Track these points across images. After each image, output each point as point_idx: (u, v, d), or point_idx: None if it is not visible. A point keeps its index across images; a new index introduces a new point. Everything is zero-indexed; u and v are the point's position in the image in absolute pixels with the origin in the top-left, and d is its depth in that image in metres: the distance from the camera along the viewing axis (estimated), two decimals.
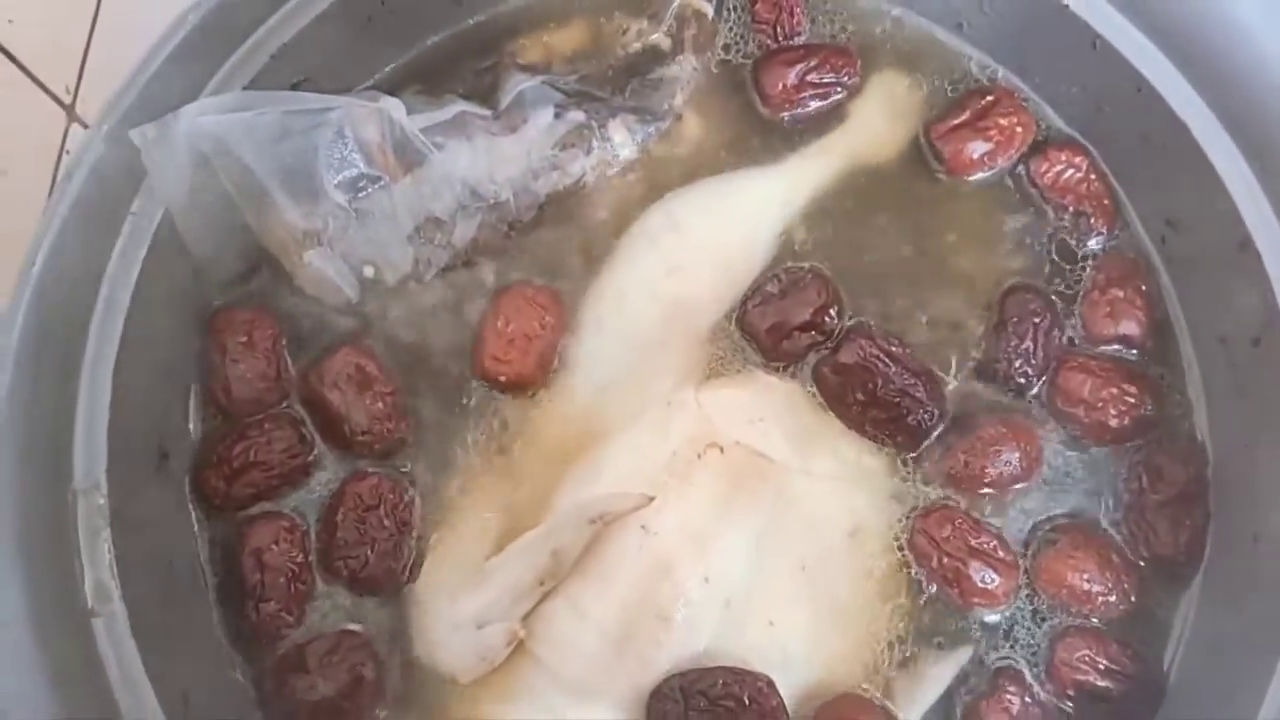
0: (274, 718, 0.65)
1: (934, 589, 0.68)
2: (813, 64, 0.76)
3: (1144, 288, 0.73)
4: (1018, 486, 0.70)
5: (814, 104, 0.77)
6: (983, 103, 0.75)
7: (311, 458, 0.69)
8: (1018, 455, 0.69)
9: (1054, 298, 0.73)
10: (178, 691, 0.59)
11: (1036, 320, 0.71)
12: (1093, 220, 0.74)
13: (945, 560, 0.68)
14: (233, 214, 0.67)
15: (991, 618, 0.68)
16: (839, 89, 0.77)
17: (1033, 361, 0.71)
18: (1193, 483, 0.69)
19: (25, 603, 0.54)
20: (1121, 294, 0.72)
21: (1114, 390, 0.70)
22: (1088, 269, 0.73)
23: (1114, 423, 0.70)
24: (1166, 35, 0.68)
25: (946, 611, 0.68)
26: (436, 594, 0.68)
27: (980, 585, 0.67)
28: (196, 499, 0.68)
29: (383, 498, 0.68)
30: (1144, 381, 0.71)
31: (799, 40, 0.78)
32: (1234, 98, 0.66)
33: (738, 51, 0.78)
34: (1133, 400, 0.70)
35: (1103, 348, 0.72)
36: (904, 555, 0.69)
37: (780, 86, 0.76)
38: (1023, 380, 0.71)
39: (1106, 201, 0.74)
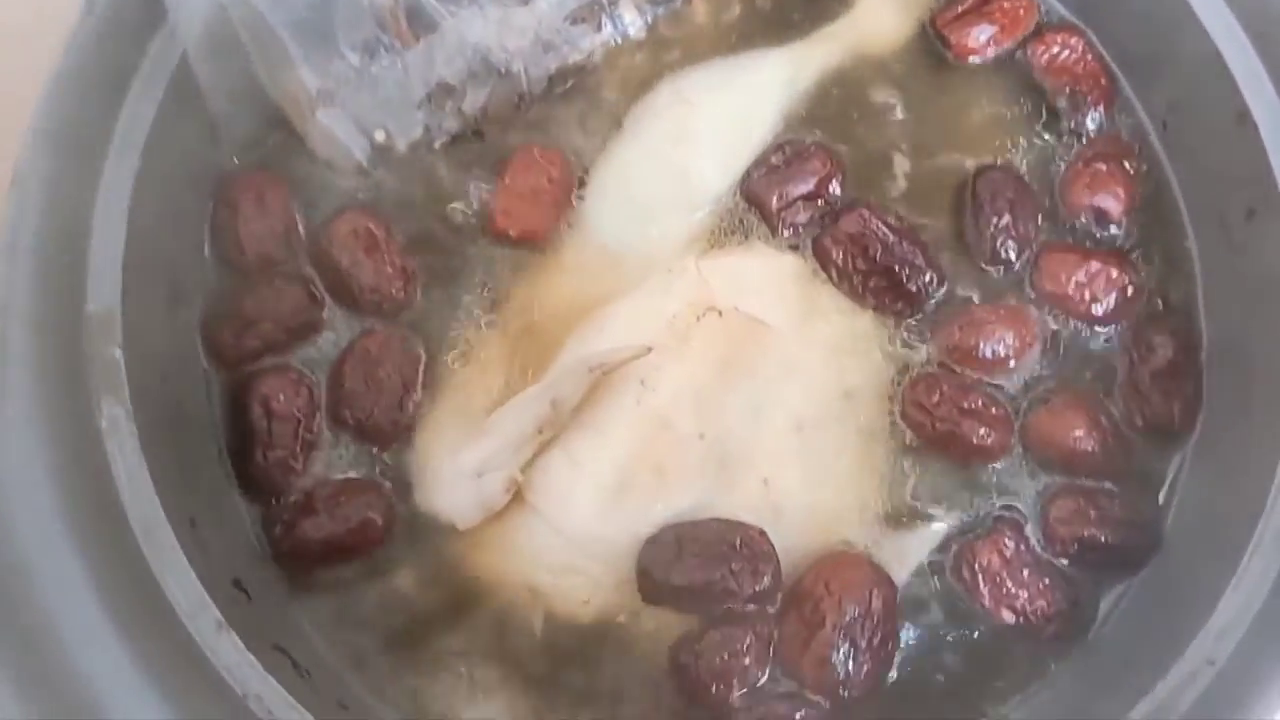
0: (281, 556, 0.67)
1: (929, 453, 0.69)
2: None
3: (1130, 169, 0.73)
4: (1011, 364, 0.71)
5: None
6: None
7: (321, 315, 0.71)
8: (1011, 335, 0.70)
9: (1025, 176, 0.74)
10: (185, 515, 0.60)
11: (1010, 196, 0.72)
12: (1089, 99, 0.75)
13: (938, 425, 0.69)
14: (248, 69, 0.68)
15: (988, 477, 0.69)
16: None
17: (1014, 234, 0.72)
18: (1184, 354, 0.70)
19: (37, 412, 0.56)
20: (1105, 168, 0.73)
21: (1100, 272, 0.71)
22: (1077, 147, 0.75)
23: (1099, 306, 0.71)
24: None
25: (941, 473, 0.69)
26: (438, 445, 0.69)
27: (975, 442, 0.68)
28: (207, 351, 0.70)
29: (391, 354, 0.69)
30: (1129, 263, 0.72)
31: None
32: None
33: None
34: (1119, 281, 0.71)
35: (1078, 220, 0.73)
36: (899, 423, 0.70)
37: None
38: (1008, 256, 0.72)
39: (1103, 81, 0.75)
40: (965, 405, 0.69)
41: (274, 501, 0.68)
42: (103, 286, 0.61)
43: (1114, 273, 0.71)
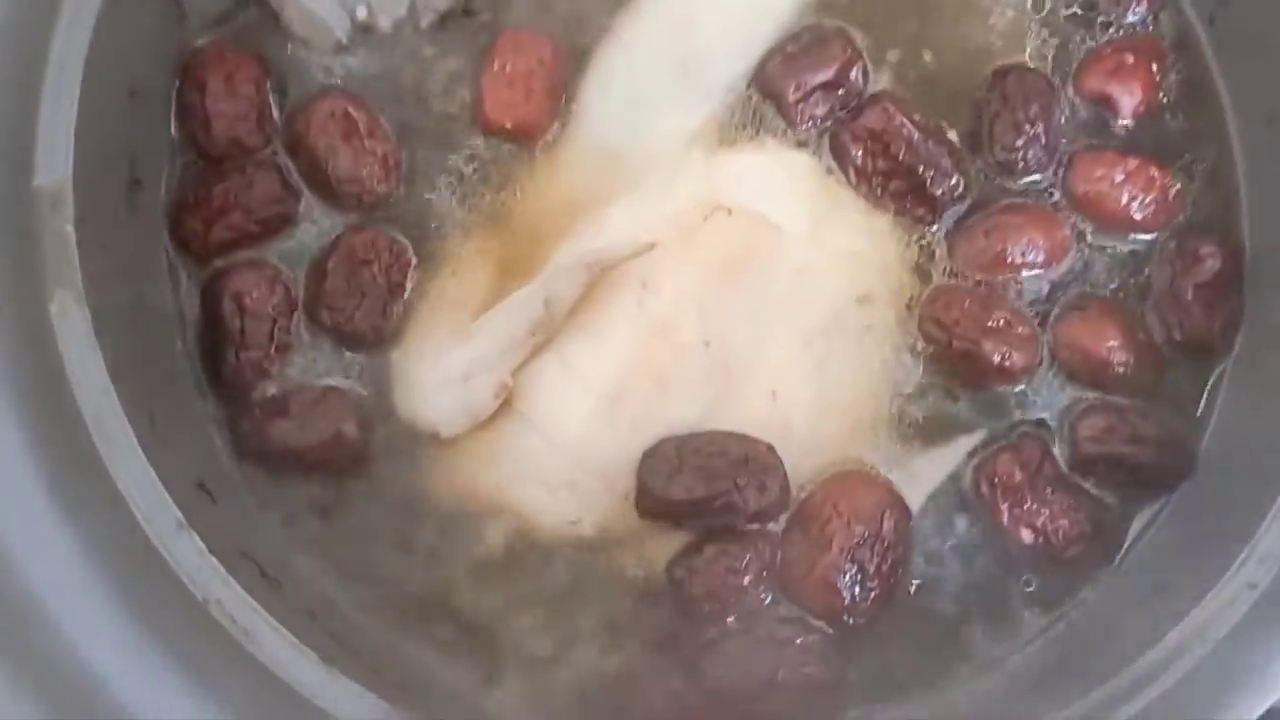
0: (246, 456, 0.63)
1: (949, 370, 0.65)
2: None
3: (1156, 73, 0.68)
4: (1042, 270, 0.66)
5: None
6: None
7: (298, 208, 0.66)
8: (1042, 241, 0.66)
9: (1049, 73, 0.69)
10: (144, 410, 0.55)
11: (1038, 101, 0.67)
12: None
13: (956, 343, 0.64)
14: None
15: (1012, 394, 0.65)
16: None
17: (1042, 142, 0.66)
18: (1231, 266, 0.65)
19: None
20: (1131, 60, 0.68)
21: (1139, 170, 0.66)
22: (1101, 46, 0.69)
23: (1139, 209, 0.66)
24: None
25: (962, 391, 0.65)
26: (422, 348, 0.64)
27: (996, 362, 0.64)
28: (174, 240, 0.65)
29: (379, 254, 0.64)
30: (1168, 165, 0.67)
31: None
32: None
33: None
34: (1160, 182, 0.66)
35: (1082, 111, 0.68)
36: (915, 337, 0.65)
37: None
38: (1034, 164, 0.67)
39: None
40: (989, 323, 0.64)
41: (247, 401, 0.63)
42: (53, 159, 0.55)
43: (1154, 171, 0.66)
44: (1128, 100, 0.68)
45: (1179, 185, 0.66)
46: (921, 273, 0.66)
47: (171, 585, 0.51)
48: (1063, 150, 0.68)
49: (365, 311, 0.64)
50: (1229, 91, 0.68)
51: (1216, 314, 0.65)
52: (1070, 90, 0.69)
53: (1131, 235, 0.67)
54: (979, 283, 0.66)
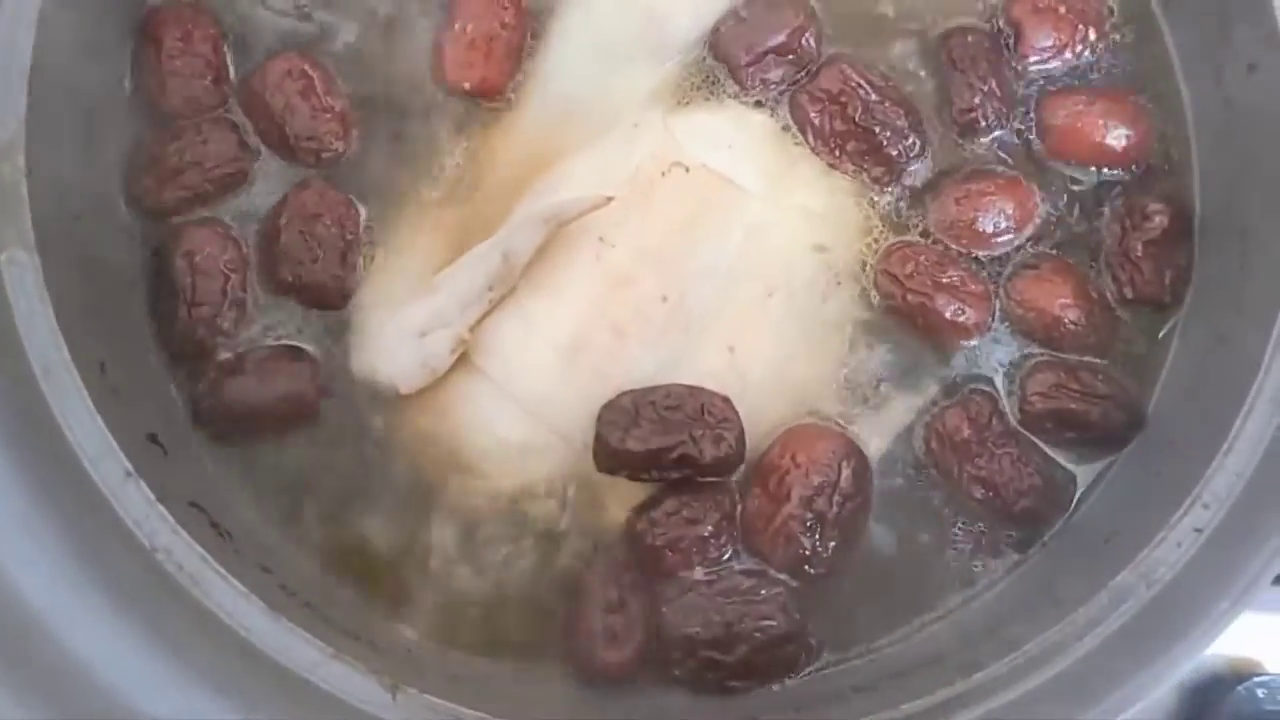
0: (202, 416, 0.62)
1: (904, 325, 0.65)
2: None
3: (1081, 29, 0.69)
4: (1009, 237, 0.67)
5: None
6: None
7: (253, 166, 0.65)
8: (1012, 209, 0.66)
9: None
10: (94, 359, 0.55)
11: (988, 55, 0.68)
12: None
13: (909, 297, 0.65)
14: None
15: (966, 350, 0.65)
16: None
17: (997, 95, 0.67)
18: (1179, 223, 0.66)
19: None
20: (1061, 9, 0.69)
21: (1110, 105, 0.67)
22: None
23: (1115, 143, 0.67)
24: None
25: (918, 346, 0.65)
26: (380, 303, 0.64)
27: (950, 318, 0.64)
28: (127, 198, 0.64)
29: (328, 207, 0.64)
30: (1130, 104, 0.68)
31: None
32: None
33: None
34: (1130, 112, 0.68)
35: (1032, 59, 0.69)
36: (871, 293, 0.66)
37: None
38: (994, 120, 0.67)
39: None
40: (942, 279, 0.65)
41: (200, 360, 0.63)
42: (5, 109, 0.56)
43: (1126, 101, 0.67)
44: (1041, 38, 0.68)
45: (1150, 112, 0.68)
46: (877, 228, 0.67)
47: (120, 533, 0.51)
48: (1028, 96, 0.68)
49: (324, 263, 0.64)
50: (1177, 49, 0.70)
51: (1166, 269, 0.66)
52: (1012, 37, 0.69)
53: (1106, 169, 0.68)
54: (948, 246, 0.66)
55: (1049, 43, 0.69)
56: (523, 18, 0.67)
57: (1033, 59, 0.69)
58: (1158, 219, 0.66)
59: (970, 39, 0.68)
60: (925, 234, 0.67)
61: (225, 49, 0.66)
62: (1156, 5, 0.70)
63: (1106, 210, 0.67)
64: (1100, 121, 0.67)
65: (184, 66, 0.65)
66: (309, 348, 0.64)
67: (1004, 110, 0.68)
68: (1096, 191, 0.68)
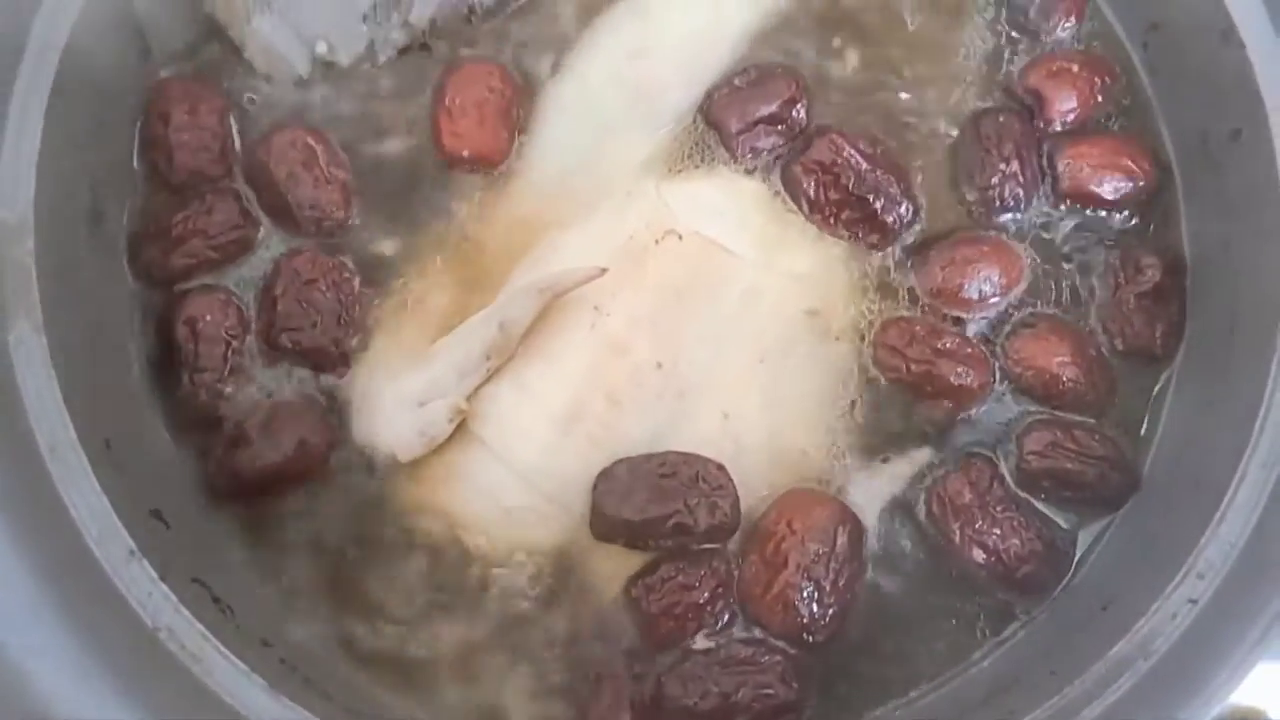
0: (216, 491, 0.63)
1: (903, 391, 0.66)
2: None
3: (1098, 81, 0.70)
4: (995, 301, 0.68)
5: None
6: None
7: (256, 234, 0.67)
8: (997, 272, 0.67)
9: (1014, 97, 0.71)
10: (99, 437, 0.56)
11: (1015, 139, 0.69)
12: (1058, 9, 0.72)
13: (913, 367, 0.65)
14: None
15: (963, 415, 0.66)
16: None
17: (1019, 178, 0.68)
18: (1170, 276, 0.67)
19: None
20: (1074, 69, 0.70)
21: (1118, 162, 0.69)
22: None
23: (1119, 190, 0.69)
24: None
25: (911, 409, 0.66)
26: (379, 372, 0.65)
27: (955, 383, 0.65)
28: (133, 269, 0.66)
29: (322, 272, 0.65)
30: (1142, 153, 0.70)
31: None
32: None
33: None
34: (1133, 167, 0.69)
35: (1057, 123, 0.70)
36: (868, 363, 0.66)
37: None
38: (1015, 201, 0.69)
39: None
40: (939, 345, 0.65)
41: (205, 431, 0.63)
42: (15, 193, 0.57)
43: (1129, 161, 0.69)
44: (1073, 103, 0.70)
45: (1148, 170, 0.69)
46: (878, 296, 0.68)
47: (122, 612, 0.52)
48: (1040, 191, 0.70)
49: (323, 327, 0.65)
50: (1163, 112, 0.71)
51: (1157, 322, 0.67)
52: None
53: (1106, 211, 0.70)
54: (940, 314, 0.67)
55: (1071, 104, 0.70)
56: (510, 80, 0.69)
57: (1058, 123, 0.70)
58: (1150, 272, 0.67)
59: (1000, 119, 0.70)
60: (914, 299, 0.67)
61: (231, 121, 0.68)
62: (1141, 67, 0.72)
63: (1101, 263, 0.68)
64: (1104, 168, 0.68)
65: (191, 139, 0.67)
66: (308, 400, 0.64)
67: (1022, 195, 0.69)
68: (1091, 244, 0.69)
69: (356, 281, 0.66)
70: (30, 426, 0.54)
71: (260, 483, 0.63)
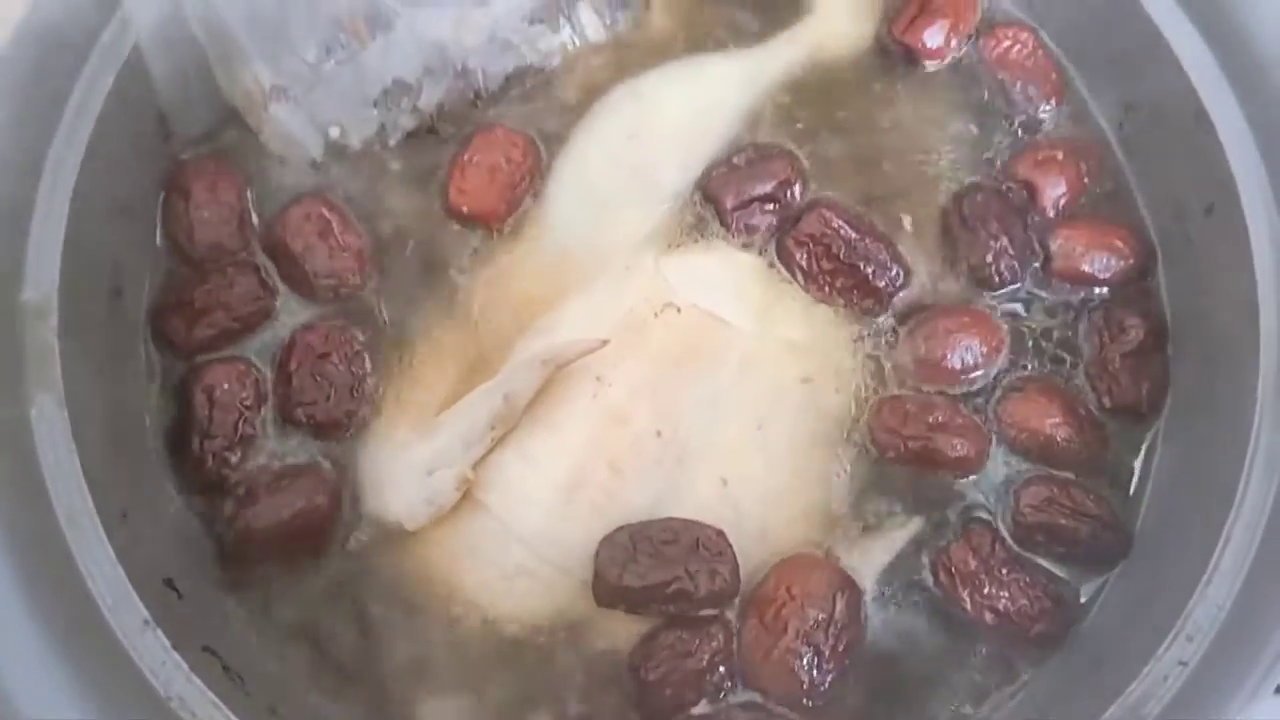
0: (225, 553, 0.64)
1: (906, 467, 0.67)
2: None
3: (1082, 166, 0.74)
4: (979, 371, 0.70)
5: None
6: None
7: (275, 304, 0.69)
8: (978, 342, 0.69)
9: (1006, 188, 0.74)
10: (116, 508, 0.58)
11: (998, 215, 0.71)
12: (1041, 92, 0.76)
13: (911, 444, 0.67)
14: (202, 62, 0.68)
15: (963, 480, 0.67)
16: None
17: (1012, 252, 0.71)
18: (1152, 335, 0.70)
19: None
20: (1059, 156, 0.73)
21: (1106, 241, 0.72)
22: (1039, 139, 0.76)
23: (1109, 268, 0.71)
24: None
25: (907, 473, 0.67)
26: (387, 442, 0.67)
27: (953, 456, 0.67)
28: (155, 341, 0.68)
29: (335, 346, 0.68)
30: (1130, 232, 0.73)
31: None
32: None
33: None
34: (1122, 246, 0.72)
35: (1051, 210, 0.73)
36: (865, 437, 0.68)
37: None
38: (1009, 275, 0.71)
39: (1054, 76, 0.77)
40: (933, 419, 0.67)
41: (213, 496, 0.65)
42: (41, 273, 0.60)
43: (1119, 241, 0.72)
44: (1062, 188, 0.73)
45: (1136, 253, 0.72)
46: (870, 364, 0.70)
47: (134, 680, 0.53)
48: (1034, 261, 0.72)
49: (336, 400, 0.67)
50: (1139, 188, 0.74)
51: (1143, 381, 0.69)
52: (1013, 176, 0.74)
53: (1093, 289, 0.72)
54: (920, 388, 0.69)
55: (1061, 190, 0.73)
56: (529, 157, 0.72)
57: (1050, 209, 0.73)
58: (1134, 332, 0.70)
59: (980, 197, 0.72)
60: (902, 373, 0.69)
61: (249, 197, 0.71)
62: (1121, 152, 0.75)
63: (1085, 324, 0.71)
64: (1095, 248, 0.71)
65: (211, 215, 0.70)
66: (316, 464, 0.66)
67: (1017, 267, 0.71)
68: (1076, 308, 0.71)
69: (367, 356, 0.68)
70: (49, 497, 0.55)
71: (267, 542, 0.64)
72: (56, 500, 0.55)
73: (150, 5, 0.64)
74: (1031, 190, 0.73)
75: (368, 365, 0.68)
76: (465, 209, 0.71)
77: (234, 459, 0.65)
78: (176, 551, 0.63)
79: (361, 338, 0.68)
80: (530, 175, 0.72)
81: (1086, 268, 0.71)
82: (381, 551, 0.65)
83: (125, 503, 0.59)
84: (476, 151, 0.72)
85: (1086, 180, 0.74)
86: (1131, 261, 0.71)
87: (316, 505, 0.64)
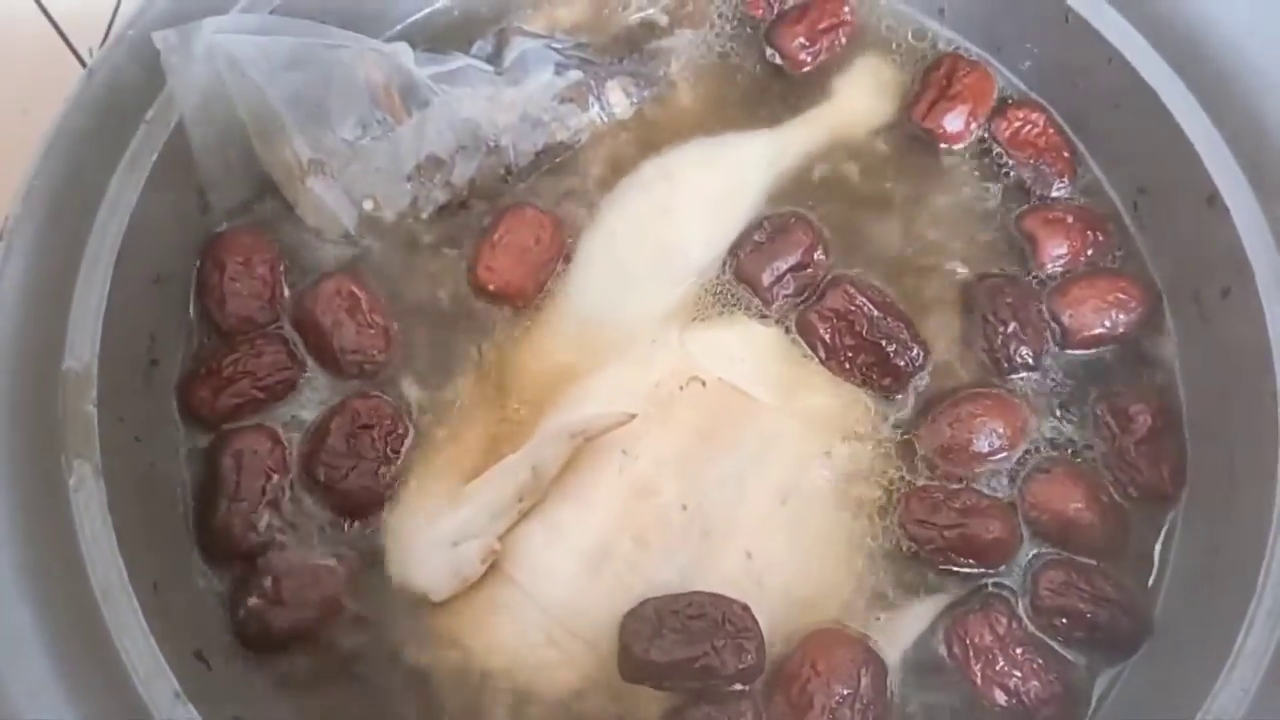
0: (247, 641, 0.64)
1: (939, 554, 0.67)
2: (815, 15, 0.82)
3: (1090, 235, 0.75)
4: (1004, 455, 0.70)
5: (825, 49, 0.82)
6: (941, 71, 0.80)
7: (302, 376, 0.70)
8: (1003, 428, 0.70)
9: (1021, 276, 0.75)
10: (148, 579, 0.58)
11: (1009, 302, 0.73)
12: (1053, 170, 0.78)
13: (947, 533, 0.67)
14: (242, 137, 0.70)
15: (1007, 564, 0.68)
16: (842, 29, 0.82)
17: (1024, 337, 0.72)
18: (1163, 417, 0.71)
19: (5, 464, 0.55)
20: (1069, 220, 0.75)
21: (1112, 295, 0.73)
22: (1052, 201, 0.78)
23: (1120, 327, 0.73)
24: (1135, 10, 0.73)
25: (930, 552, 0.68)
26: (414, 512, 0.67)
27: (987, 537, 0.67)
28: (183, 410, 0.69)
29: (380, 420, 0.68)
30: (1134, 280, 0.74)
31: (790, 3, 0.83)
32: (1197, 63, 0.70)
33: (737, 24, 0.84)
34: (1128, 300, 0.73)
35: (1049, 266, 0.75)
36: (899, 536, 0.68)
37: (795, 41, 0.81)
38: (1028, 358, 0.72)
39: (1065, 154, 0.78)
40: (961, 505, 0.68)
41: (238, 565, 0.66)
42: (81, 343, 0.61)
43: (1123, 293, 0.73)
44: (1052, 248, 0.75)
45: (1142, 305, 0.73)
46: (892, 441, 0.71)
47: None
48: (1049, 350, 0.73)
49: (359, 473, 0.67)
50: (1156, 268, 0.75)
51: (1163, 462, 0.70)
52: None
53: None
54: (953, 473, 0.70)
55: (1062, 250, 0.75)
56: (559, 237, 0.74)
57: (1049, 266, 0.75)
58: (1141, 419, 0.70)
59: (990, 284, 0.74)
60: (929, 462, 0.70)
61: (281, 271, 0.72)
62: (1135, 231, 0.76)
63: (1091, 416, 0.71)
64: (1104, 304, 0.72)
65: (243, 288, 0.71)
66: (342, 556, 0.66)
67: (1032, 353, 0.72)
68: (1087, 394, 0.72)
69: (409, 434, 0.69)
70: (85, 569, 0.56)
71: (289, 638, 0.64)
72: (92, 572, 0.56)
73: (195, 82, 0.66)
74: (1033, 243, 0.75)
75: (404, 451, 0.69)
76: (493, 287, 0.72)
77: (260, 523, 0.66)
78: (205, 623, 0.64)
79: (406, 423, 0.69)
80: (558, 256, 0.74)
81: (1099, 328, 0.73)
82: (406, 623, 0.65)
83: (157, 574, 0.59)
84: (507, 231, 0.73)
85: (1090, 251, 0.75)
86: (1141, 310, 0.73)
87: (337, 601, 0.65)
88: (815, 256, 0.74)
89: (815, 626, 0.66)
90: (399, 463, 0.68)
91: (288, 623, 0.64)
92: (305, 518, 0.67)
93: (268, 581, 0.65)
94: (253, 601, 0.64)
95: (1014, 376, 0.72)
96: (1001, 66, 0.81)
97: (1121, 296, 0.73)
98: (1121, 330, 0.73)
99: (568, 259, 0.74)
